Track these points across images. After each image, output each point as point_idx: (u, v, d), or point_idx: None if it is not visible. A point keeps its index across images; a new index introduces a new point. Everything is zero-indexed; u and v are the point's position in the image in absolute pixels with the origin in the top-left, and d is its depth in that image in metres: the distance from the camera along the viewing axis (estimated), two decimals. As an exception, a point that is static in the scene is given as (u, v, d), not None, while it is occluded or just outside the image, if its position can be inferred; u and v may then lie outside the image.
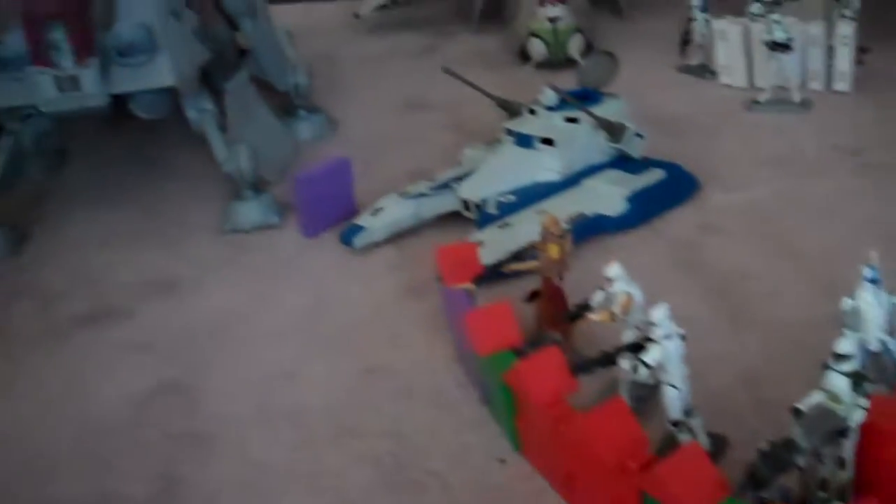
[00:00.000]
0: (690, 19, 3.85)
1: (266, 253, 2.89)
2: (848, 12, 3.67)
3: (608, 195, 2.84)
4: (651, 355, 1.90)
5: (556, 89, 2.96)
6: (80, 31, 2.58)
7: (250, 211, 2.98)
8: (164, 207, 3.18)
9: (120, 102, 2.84)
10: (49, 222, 3.16)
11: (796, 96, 3.53)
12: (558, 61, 3.97)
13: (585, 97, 3.03)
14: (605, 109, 2.98)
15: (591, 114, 2.90)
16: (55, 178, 3.28)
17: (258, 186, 3.01)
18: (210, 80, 3.06)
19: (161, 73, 2.77)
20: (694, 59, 3.91)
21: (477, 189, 2.85)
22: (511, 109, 3.10)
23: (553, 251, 2.25)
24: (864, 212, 2.86)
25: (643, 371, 1.93)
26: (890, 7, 4.15)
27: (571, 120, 2.95)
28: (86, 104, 2.68)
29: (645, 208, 2.85)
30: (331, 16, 4.84)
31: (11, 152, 2.94)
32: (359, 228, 2.82)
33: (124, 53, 2.73)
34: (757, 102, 3.57)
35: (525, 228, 2.63)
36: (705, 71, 3.86)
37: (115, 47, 2.72)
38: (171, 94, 2.84)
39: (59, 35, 2.56)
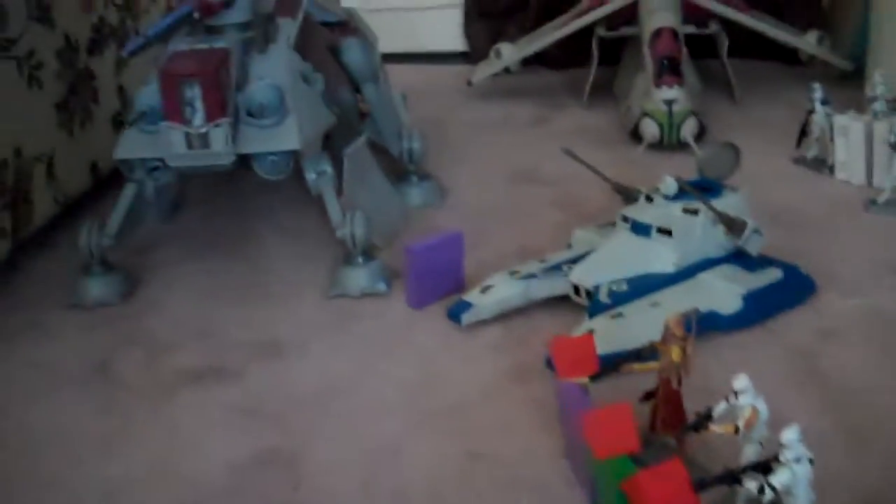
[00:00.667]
0: (811, 111, 3.78)
1: (372, 321, 2.89)
2: (975, 116, 3.58)
3: (724, 292, 2.77)
4: (780, 478, 1.83)
5: (678, 180, 2.91)
6: (215, 91, 2.62)
7: (359, 277, 2.98)
8: (273, 264, 3.21)
9: (240, 158, 2.87)
10: (160, 270, 3.21)
11: (916, 200, 3.43)
12: (671, 144, 3.92)
13: (705, 188, 2.98)
14: (724, 202, 2.92)
15: (712, 208, 2.85)
16: (169, 225, 3.35)
17: (368, 252, 3.02)
18: (330, 141, 3.09)
19: (289, 136, 2.81)
20: (810, 152, 3.83)
21: (589, 275, 2.81)
22: (628, 195, 3.07)
23: (675, 353, 2.19)
24: None
25: (769, 493, 1.86)
26: None
27: (690, 211, 2.90)
28: (213, 162, 2.73)
29: (761, 308, 2.77)
30: (443, 78, 4.88)
31: (133, 201, 3.00)
32: (467, 305, 2.79)
33: (255, 115, 2.77)
34: (875, 203, 3.47)
35: (639, 322, 2.58)
36: (822, 165, 3.78)
37: (247, 108, 2.77)
38: (293, 155, 2.88)
39: (194, 93, 2.61)
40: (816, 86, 3.76)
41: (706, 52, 4.63)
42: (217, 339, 2.82)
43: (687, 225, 2.88)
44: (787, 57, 4.72)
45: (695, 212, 2.89)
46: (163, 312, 2.98)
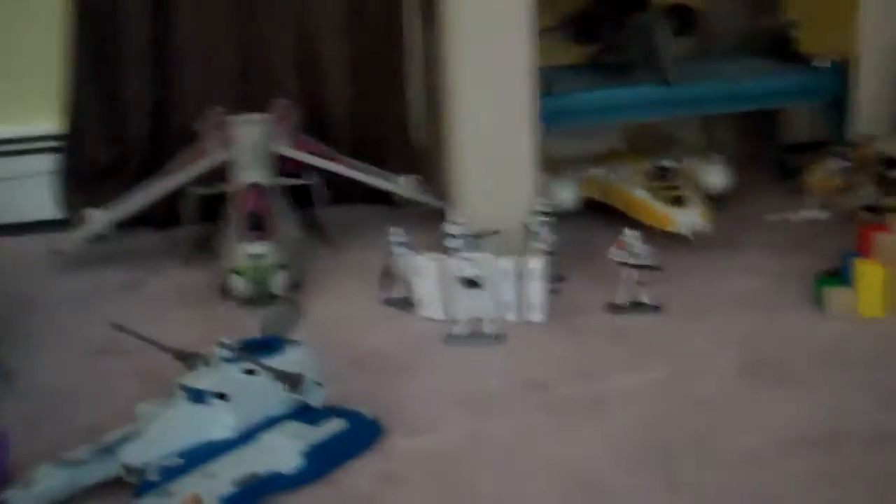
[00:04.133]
0: (392, 254, 3.92)
1: None
2: (541, 245, 3.86)
3: (283, 450, 2.74)
4: None
5: (226, 344, 2.89)
6: None
7: None
8: None
9: None
10: None
11: (489, 329, 3.61)
12: (262, 298, 3.91)
13: (267, 346, 2.97)
14: (287, 358, 2.92)
15: (263, 366, 2.84)
16: None
17: None
18: None
19: None
20: (396, 292, 3.96)
21: (140, 453, 2.68)
22: (188, 362, 2.99)
23: (193, 535, 2.11)
24: (547, 453, 2.87)
25: None
26: (585, 235, 4.39)
27: (250, 372, 2.87)
28: None
29: (323, 462, 2.76)
30: (37, 249, 4.63)
31: None
32: (5, 505, 2.58)
33: None
34: (452, 336, 3.62)
35: (187, 497, 2.49)
36: (407, 304, 3.91)
37: None
38: None
39: None
40: (394, 230, 3.93)
41: (310, 201, 4.72)
42: None
43: (244, 386, 2.84)
44: (390, 200, 4.91)
45: (253, 371, 2.87)
46: None
